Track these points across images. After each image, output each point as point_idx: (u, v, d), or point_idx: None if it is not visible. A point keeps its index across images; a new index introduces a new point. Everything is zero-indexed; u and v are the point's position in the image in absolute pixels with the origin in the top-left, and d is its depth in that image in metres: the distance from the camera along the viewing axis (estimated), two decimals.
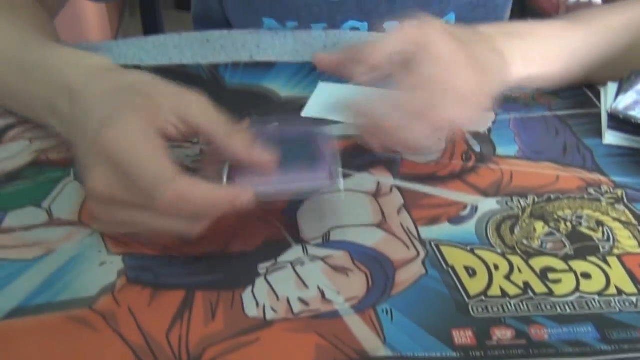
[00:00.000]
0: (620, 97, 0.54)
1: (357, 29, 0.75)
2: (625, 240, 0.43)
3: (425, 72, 0.44)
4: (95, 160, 0.38)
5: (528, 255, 0.41)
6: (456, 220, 0.44)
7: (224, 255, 0.41)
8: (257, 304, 0.38)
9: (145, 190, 0.36)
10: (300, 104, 0.59)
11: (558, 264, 0.41)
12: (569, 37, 0.56)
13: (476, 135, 0.54)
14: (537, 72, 0.55)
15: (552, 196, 0.47)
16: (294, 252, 0.41)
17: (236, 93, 0.60)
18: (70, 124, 0.44)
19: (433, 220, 0.44)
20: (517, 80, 0.53)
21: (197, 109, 0.41)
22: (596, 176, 0.49)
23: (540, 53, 0.54)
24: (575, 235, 0.43)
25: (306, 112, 0.56)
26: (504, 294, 0.38)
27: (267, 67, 0.64)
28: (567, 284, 0.39)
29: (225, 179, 0.41)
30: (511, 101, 0.59)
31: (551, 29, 0.56)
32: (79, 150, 0.41)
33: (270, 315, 0.37)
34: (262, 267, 0.40)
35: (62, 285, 0.39)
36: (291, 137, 0.44)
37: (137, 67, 0.64)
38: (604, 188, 0.47)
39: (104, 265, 0.41)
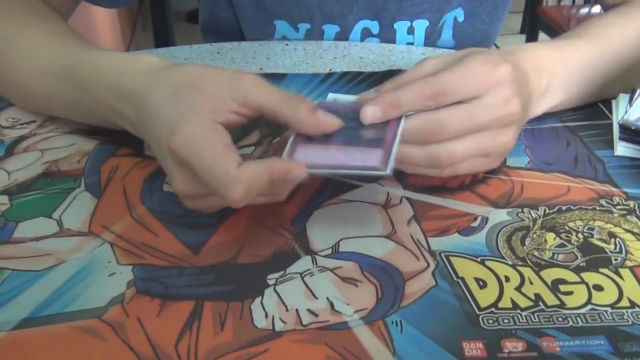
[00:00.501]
0: (632, 109, 0.54)
1: (368, 29, 0.75)
2: (637, 252, 0.42)
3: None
4: (172, 164, 0.42)
5: (539, 266, 0.41)
6: (466, 231, 0.44)
7: (233, 266, 0.41)
8: (266, 315, 0.38)
9: (217, 191, 0.40)
10: None
11: (570, 275, 0.40)
12: (587, 60, 0.55)
13: None
14: (557, 103, 0.55)
15: (564, 207, 0.46)
16: (303, 263, 0.41)
17: None
18: (139, 128, 0.46)
19: (443, 231, 0.44)
20: (539, 112, 0.54)
21: (255, 89, 0.43)
22: (608, 187, 0.48)
23: (563, 85, 0.54)
24: (586, 247, 0.42)
25: None
26: (515, 305, 0.38)
27: (277, 79, 0.65)
28: (578, 296, 0.39)
29: (287, 152, 0.42)
30: None
31: (573, 53, 0.55)
32: (156, 153, 0.45)
33: (279, 326, 0.37)
34: (271, 278, 0.40)
35: (71, 296, 0.39)
36: (354, 114, 0.44)
37: None
38: (616, 199, 0.47)
39: (113, 275, 0.41)
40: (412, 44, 0.76)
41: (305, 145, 0.42)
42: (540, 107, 0.53)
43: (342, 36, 0.75)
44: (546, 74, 0.52)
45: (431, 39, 0.76)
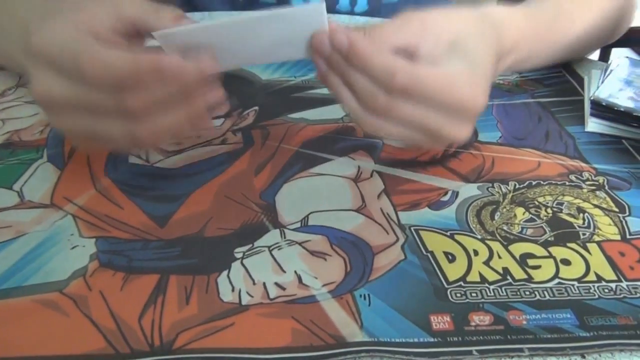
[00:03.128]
0: (603, 85, 0.54)
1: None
2: (605, 227, 0.42)
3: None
4: (32, 67, 0.39)
5: (508, 241, 0.41)
6: (436, 205, 0.44)
7: (199, 239, 0.41)
8: (233, 289, 0.37)
9: (74, 68, 0.37)
10: (281, 87, 0.58)
11: (538, 250, 0.40)
12: (547, 19, 0.55)
13: None
14: (523, 57, 0.54)
15: (533, 182, 0.46)
16: (272, 237, 0.41)
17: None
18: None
19: (413, 206, 0.44)
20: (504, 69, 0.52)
21: (128, 4, 0.41)
22: (578, 163, 0.49)
23: (527, 38, 0.53)
24: (555, 222, 0.43)
25: None
26: (483, 279, 0.38)
27: None
28: (546, 270, 0.39)
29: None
30: (494, 87, 0.58)
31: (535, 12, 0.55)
32: (25, 67, 0.41)
33: (245, 299, 0.36)
34: (239, 252, 0.39)
35: (32, 269, 0.38)
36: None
37: None
38: (585, 175, 0.47)
39: (75, 248, 0.40)
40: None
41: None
42: (507, 61, 0.51)
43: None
44: (514, 28, 0.51)
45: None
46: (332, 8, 0.73)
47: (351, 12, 0.74)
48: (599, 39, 0.60)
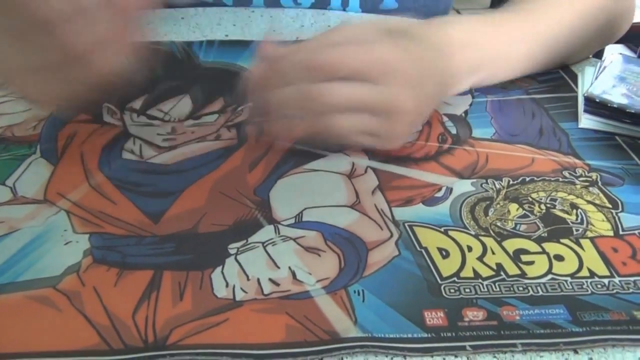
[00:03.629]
0: (597, 81, 0.54)
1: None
2: (598, 223, 0.42)
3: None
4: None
5: (501, 237, 0.41)
6: (430, 201, 0.44)
7: (193, 235, 0.40)
8: (227, 285, 0.37)
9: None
10: None
11: (531, 246, 0.40)
12: (519, 34, 0.55)
13: (453, 117, 0.53)
14: (485, 77, 0.54)
15: (527, 178, 0.46)
16: (266, 232, 0.41)
17: (210, 71, 0.59)
18: None
19: (407, 202, 0.44)
20: (463, 89, 0.53)
21: None
22: (571, 159, 0.49)
23: (492, 58, 0.54)
24: (549, 218, 0.43)
25: None
26: (477, 275, 0.38)
27: (242, 46, 0.63)
28: (539, 265, 0.39)
29: None
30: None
31: (506, 26, 0.55)
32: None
33: (239, 295, 0.36)
34: (233, 247, 0.39)
35: (25, 265, 0.38)
36: None
37: None
38: (579, 171, 0.47)
39: (69, 244, 0.39)
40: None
41: None
42: (467, 82, 0.53)
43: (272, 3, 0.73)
44: (476, 48, 0.52)
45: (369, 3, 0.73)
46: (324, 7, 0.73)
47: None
48: (588, 39, 0.59)
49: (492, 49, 0.53)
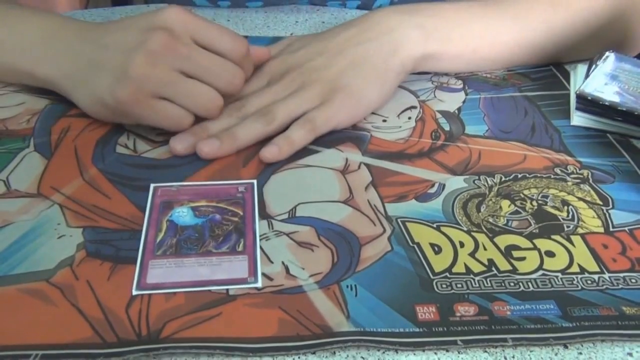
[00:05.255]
0: (589, 79, 0.55)
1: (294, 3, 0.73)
2: (589, 219, 0.43)
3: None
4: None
5: (493, 233, 0.41)
6: (423, 197, 0.44)
7: None
8: None
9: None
10: None
11: (523, 242, 0.41)
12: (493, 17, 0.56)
13: (446, 114, 0.54)
14: (442, 49, 0.55)
15: (519, 175, 0.47)
16: (259, 227, 0.41)
17: None
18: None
19: (400, 197, 0.44)
20: (417, 58, 0.54)
21: None
22: (563, 156, 0.49)
23: (445, 28, 0.54)
24: (540, 214, 0.43)
25: None
26: (469, 270, 0.38)
27: None
28: (531, 261, 0.39)
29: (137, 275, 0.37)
30: (481, 81, 0.58)
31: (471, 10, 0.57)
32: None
33: (233, 290, 0.36)
34: None
35: (19, 258, 0.38)
36: None
37: None
38: (570, 168, 0.48)
39: (62, 238, 0.39)
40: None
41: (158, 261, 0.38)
42: (423, 46, 0.54)
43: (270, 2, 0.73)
44: (424, 13, 0.54)
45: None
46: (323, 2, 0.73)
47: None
48: (576, 41, 0.59)
49: (451, 17, 0.55)
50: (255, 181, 0.45)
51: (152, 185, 0.44)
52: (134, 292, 0.36)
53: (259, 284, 0.37)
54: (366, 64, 0.51)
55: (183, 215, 0.41)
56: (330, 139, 0.50)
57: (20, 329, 0.34)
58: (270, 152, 0.46)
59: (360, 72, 0.51)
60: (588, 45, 0.60)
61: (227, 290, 0.36)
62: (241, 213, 0.42)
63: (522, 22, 0.57)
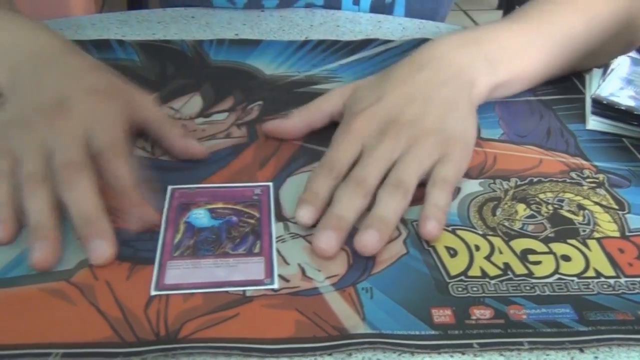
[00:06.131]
0: (604, 83, 0.55)
1: (312, 4, 0.73)
2: (605, 224, 0.43)
3: None
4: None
5: (509, 236, 0.41)
6: None
7: None
8: None
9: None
10: (285, 82, 0.58)
11: (538, 246, 0.41)
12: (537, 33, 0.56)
13: None
14: (509, 76, 0.54)
15: (535, 179, 0.47)
16: (276, 229, 0.41)
17: (220, 70, 0.60)
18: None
19: (416, 201, 0.44)
20: (490, 89, 0.53)
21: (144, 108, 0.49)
22: (578, 161, 0.49)
23: (508, 56, 0.54)
24: (556, 218, 0.43)
25: None
26: (484, 274, 0.38)
27: (252, 45, 0.64)
28: (546, 265, 0.39)
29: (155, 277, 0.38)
30: None
31: (512, 30, 0.56)
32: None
33: (250, 291, 0.37)
34: None
35: None
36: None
37: (121, 42, 0.63)
38: (586, 172, 0.48)
39: None
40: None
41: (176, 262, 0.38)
42: (483, 79, 0.52)
43: (285, 5, 0.73)
44: (493, 42, 0.53)
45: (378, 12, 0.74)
46: (336, 5, 0.74)
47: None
48: (601, 44, 0.59)
49: (511, 44, 0.54)
50: (271, 184, 0.45)
51: (169, 187, 0.44)
52: (152, 293, 0.36)
53: (276, 286, 0.37)
54: (459, 105, 0.48)
55: (200, 217, 0.42)
56: None
57: (40, 328, 0.34)
58: (431, 226, 0.41)
59: (459, 115, 0.48)
60: (609, 49, 0.59)
61: (244, 291, 0.37)
62: (257, 215, 0.42)
63: (557, 35, 0.57)
